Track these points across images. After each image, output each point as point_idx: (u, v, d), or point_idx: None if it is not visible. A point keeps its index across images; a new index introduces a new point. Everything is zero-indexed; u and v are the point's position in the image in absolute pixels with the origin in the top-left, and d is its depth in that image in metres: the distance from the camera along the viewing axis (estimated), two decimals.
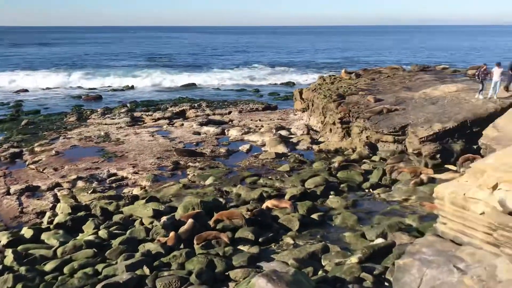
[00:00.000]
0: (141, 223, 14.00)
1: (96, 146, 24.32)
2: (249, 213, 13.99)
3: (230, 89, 48.81)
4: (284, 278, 8.83)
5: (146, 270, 10.81)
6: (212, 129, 27.08)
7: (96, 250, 12.05)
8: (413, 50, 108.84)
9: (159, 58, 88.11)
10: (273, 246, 12.47)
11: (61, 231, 13.57)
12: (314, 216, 14.14)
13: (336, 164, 19.05)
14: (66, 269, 11.20)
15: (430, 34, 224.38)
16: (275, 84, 52.80)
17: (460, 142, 19.98)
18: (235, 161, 21.30)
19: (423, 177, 16.85)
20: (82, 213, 14.92)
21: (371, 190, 16.86)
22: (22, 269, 11.13)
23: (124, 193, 17.65)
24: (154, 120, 30.90)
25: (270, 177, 18.55)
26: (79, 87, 50.56)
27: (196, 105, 35.79)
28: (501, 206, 7.86)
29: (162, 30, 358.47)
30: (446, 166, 18.63)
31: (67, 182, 18.75)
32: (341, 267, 10.48)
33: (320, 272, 10.66)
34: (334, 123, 24.25)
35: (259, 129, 27.28)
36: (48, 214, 15.35)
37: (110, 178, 19.31)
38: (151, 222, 13.93)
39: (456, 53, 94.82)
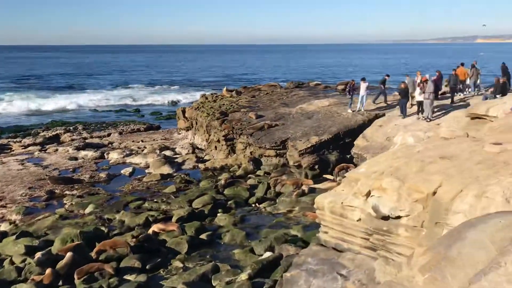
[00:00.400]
0: (11, 263, 12.61)
1: None
2: (134, 239, 13.39)
3: (108, 110, 46.76)
4: None
5: None
6: (90, 153, 25.55)
7: None
8: (287, 68, 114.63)
9: (27, 79, 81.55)
10: (161, 272, 12.07)
11: None
12: (203, 236, 14.01)
13: (222, 182, 19.17)
14: None
15: (302, 53, 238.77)
16: (157, 103, 51.88)
17: (335, 152, 21.34)
18: (117, 186, 20.26)
19: (304, 188, 17.66)
20: None
21: (257, 204, 17.21)
22: None
23: None
24: (23, 147, 28.32)
25: (155, 200, 18.01)
26: None
27: (71, 128, 33.54)
28: (374, 211, 8.49)
29: (35, 49, 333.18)
30: (324, 176, 19.73)
31: None
32: (232, 286, 10.49)
33: None
34: (218, 141, 24.46)
35: (142, 150, 26.43)
36: None
37: None
38: (23, 260, 12.58)
39: (326, 70, 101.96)
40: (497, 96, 18.87)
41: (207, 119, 26.51)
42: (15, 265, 12.39)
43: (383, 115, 22.71)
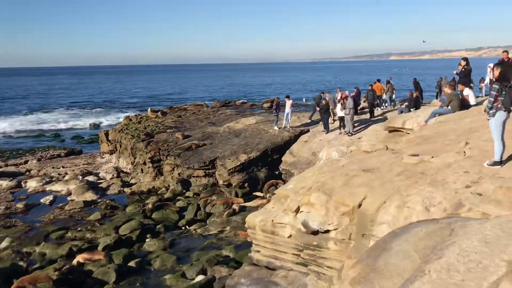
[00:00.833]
0: None
1: None
2: (57, 272, 12.59)
3: (25, 136, 43.97)
4: None
5: None
6: (5, 183, 23.77)
7: None
8: (214, 87, 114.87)
9: None
10: None
11: None
12: (132, 263, 13.48)
13: (150, 205, 18.62)
14: None
15: (229, 72, 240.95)
16: (79, 127, 49.63)
17: (264, 169, 21.57)
18: (37, 216, 19.00)
19: (235, 206, 17.61)
20: None
21: (187, 227, 16.89)
22: None
23: None
24: None
25: (79, 228, 17.11)
26: None
27: None
28: (304, 227, 8.58)
29: None
30: (254, 193, 19.83)
31: None
32: None
33: None
34: (144, 163, 23.81)
35: (63, 177, 25.09)
36: None
37: None
38: None
39: (251, 88, 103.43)
40: (411, 109, 20.06)
41: (131, 141, 25.77)
42: None
43: (308, 131, 23.36)
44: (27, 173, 26.85)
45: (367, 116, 23.00)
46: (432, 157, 9.02)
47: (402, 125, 16.12)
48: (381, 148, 10.76)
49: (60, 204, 20.52)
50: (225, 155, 21.90)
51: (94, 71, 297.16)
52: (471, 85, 17.74)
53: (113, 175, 24.89)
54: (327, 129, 21.56)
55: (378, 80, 26.38)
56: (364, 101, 26.83)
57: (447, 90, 15.19)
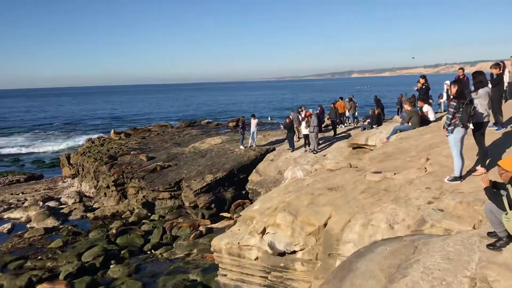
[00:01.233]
0: None
1: None
2: None
3: None
4: None
5: None
6: None
7: None
8: (177, 107, 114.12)
9: None
10: None
11: None
12: None
13: (114, 230, 18.09)
14: None
15: (195, 91, 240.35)
16: (39, 150, 48.01)
17: (231, 189, 21.41)
18: None
19: (202, 228, 17.33)
20: None
21: (153, 251, 16.46)
22: None
23: None
24: None
25: (39, 257, 16.42)
26: None
27: None
28: (271, 248, 8.48)
29: None
30: (221, 214, 19.61)
31: None
32: None
33: None
34: (108, 186, 23.24)
35: (23, 203, 24.15)
36: None
37: None
38: None
39: (216, 108, 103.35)
40: (374, 126, 20.44)
41: (94, 165, 25.15)
42: None
43: (274, 149, 23.42)
44: None
45: (331, 133, 23.29)
46: (395, 173, 9.16)
47: (365, 141, 16.40)
48: (345, 166, 10.85)
49: (19, 232, 19.66)
50: (190, 176, 21.64)
51: (54, 93, 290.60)
52: (430, 101, 18.29)
53: (75, 200, 24.14)
54: (292, 147, 21.67)
55: (341, 98, 26.85)
56: (327, 119, 27.21)
57: (407, 107, 15.58)
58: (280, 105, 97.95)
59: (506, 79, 13.66)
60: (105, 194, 23.48)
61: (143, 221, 19.66)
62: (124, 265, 15.07)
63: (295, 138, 22.74)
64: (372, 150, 14.64)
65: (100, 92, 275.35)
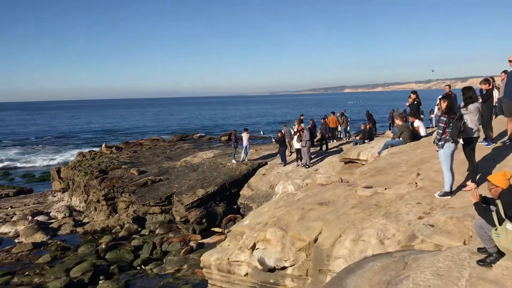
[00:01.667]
0: None
1: None
2: None
3: None
4: None
5: None
6: None
7: None
8: (170, 120, 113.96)
9: None
10: None
11: None
12: None
13: (103, 245, 17.85)
14: None
15: (184, 105, 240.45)
16: (29, 164, 47.53)
17: (222, 204, 21.26)
18: None
19: (192, 244, 17.15)
20: None
21: (142, 266, 16.25)
22: None
23: None
24: None
25: (27, 272, 16.13)
26: None
27: None
28: (261, 264, 8.38)
29: None
30: (212, 229, 19.42)
31: None
32: None
33: None
34: (98, 201, 23.00)
35: (11, 217, 23.82)
36: None
37: None
38: None
39: (208, 122, 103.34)
40: (366, 141, 20.48)
41: (85, 179, 24.93)
42: None
43: (266, 163, 23.35)
44: None
45: (323, 148, 23.29)
46: (386, 188, 9.14)
47: (357, 156, 16.39)
48: (336, 181, 10.81)
49: (7, 247, 19.34)
50: (182, 191, 21.49)
51: (45, 106, 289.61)
52: (422, 116, 18.39)
53: (65, 214, 23.85)
54: (284, 161, 21.63)
55: (333, 113, 26.95)
56: (319, 133, 27.27)
57: (398, 122, 15.63)
58: (274, 120, 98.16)
59: (496, 94, 13.77)
60: (95, 208, 23.23)
61: (133, 236, 19.44)
62: (113, 281, 14.85)
63: (287, 153, 22.71)
64: (364, 164, 14.64)
65: (94, 106, 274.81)
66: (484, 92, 11.45)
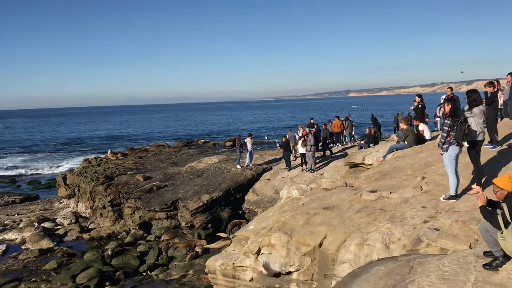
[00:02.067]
0: None
1: None
2: None
3: None
4: None
5: None
6: None
7: None
8: (175, 126, 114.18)
9: None
10: None
11: None
12: None
13: (109, 251, 17.89)
14: None
15: (190, 111, 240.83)
16: (35, 171, 47.70)
17: (227, 209, 21.26)
18: None
19: (198, 249, 17.15)
20: None
21: (148, 272, 16.27)
22: None
23: None
24: None
25: (33, 279, 16.25)
26: None
27: None
28: (265, 269, 8.35)
29: None
30: (218, 234, 19.43)
31: None
32: None
33: None
34: (104, 207, 23.07)
35: (18, 224, 23.94)
36: None
37: None
38: None
39: (213, 127, 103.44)
40: (370, 145, 20.44)
41: (91, 185, 25.02)
42: None
43: (270, 168, 23.35)
44: None
45: (328, 152, 23.25)
46: (391, 192, 9.10)
47: (362, 160, 16.36)
48: (340, 185, 10.79)
49: (14, 254, 19.46)
50: (187, 196, 21.52)
51: (51, 113, 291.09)
52: (426, 120, 18.32)
53: (71, 221, 23.94)
54: (289, 166, 21.62)
55: (337, 117, 26.92)
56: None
57: (402, 125, 15.59)
58: (279, 124, 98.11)
59: (501, 97, 13.72)
60: (101, 214, 23.30)
61: (139, 241, 19.49)
62: (119, 286, 14.94)
63: (292, 157, 22.71)
64: (369, 168, 14.60)
65: (100, 112, 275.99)
66: (489, 94, 11.40)
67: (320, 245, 7.88)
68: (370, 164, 15.77)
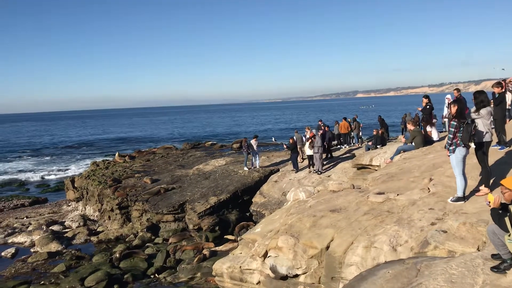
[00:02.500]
0: None
1: None
2: None
3: None
4: None
5: None
6: None
7: None
8: (182, 128, 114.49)
9: None
10: None
11: None
12: None
13: (117, 254, 17.95)
14: None
15: (194, 113, 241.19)
16: (44, 174, 48.02)
17: (235, 211, 21.25)
18: None
19: (206, 252, 17.14)
20: None
21: (156, 275, 16.29)
22: None
23: None
24: None
25: (42, 282, 16.31)
26: None
27: None
28: (273, 272, 8.35)
29: None
30: (225, 237, 19.41)
31: None
32: None
33: None
34: (112, 210, 23.17)
35: (27, 227, 24.10)
36: None
37: None
38: None
39: (221, 129, 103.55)
40: (378, 146, 20.36)
41: (98, 188, 25.14)
42: None
43: (278, 170, 23.32)
44: None
45: (336, 153, 23.20)
46: (398, 194, 9.06)
47: (369, 162, 16.31)
48: (347, 187, 10.76)
49: (23, 257, 19.55)
50: (194, 198, 21.55)
51: (60, 117, 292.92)
52: (434, 121, 18.22)
53: (79, 224, 24.06)
54: (296, 168, 21.59)
55: (344, 118, 26.85)
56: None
57: (410, 126, 15.52)
58: (286, 126, 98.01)
59: (509, 97, 13.61)
60: (109, 217, 23.40)
61: (147, 244, 19.52)
62: None
63: (299, 159, 22.67)
64: (376, 170, 14.55)
65: (108, 115, 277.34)
66: (497, 95, 11.33)
67: (327, 247, 7.86)
68: (377, 166, 15.72)
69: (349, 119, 27.25)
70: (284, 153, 27.29)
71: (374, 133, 22.76)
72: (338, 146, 26.14)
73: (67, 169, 49.43)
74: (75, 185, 29.06)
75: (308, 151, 20.87)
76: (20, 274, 17.58)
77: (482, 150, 8.08)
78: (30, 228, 23.74)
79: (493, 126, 9.51)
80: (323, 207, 9.40)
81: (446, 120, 22.99)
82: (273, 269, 8.31)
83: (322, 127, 24.42)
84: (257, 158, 24.44)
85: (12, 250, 20.42)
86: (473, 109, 8.34)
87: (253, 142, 23.93)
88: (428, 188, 9.08)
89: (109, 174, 27.70)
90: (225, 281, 9.30)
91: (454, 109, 7.81)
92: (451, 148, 7.78)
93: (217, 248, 17.67)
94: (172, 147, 37.32)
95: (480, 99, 8.23)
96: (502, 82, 11.88)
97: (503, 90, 11.56)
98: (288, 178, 21.24)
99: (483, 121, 8.10)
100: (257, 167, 24.37)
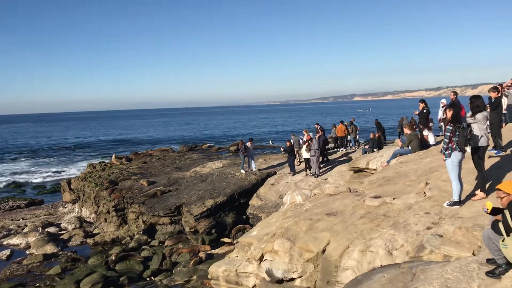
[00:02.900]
0: None
1: None
2: None
3: None
4: None
5: None
6: None
7: None
8: (179, 131, 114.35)
9: None
10: None
11: None
12: None
13: (113, 257, 17.89)
14: None
15: (192, 115, 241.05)
16: (40, 176, 47.90)
17: (231, 214, 21.21)
18: None
19: (202, 254, 17.10)
20: None
21: (152, 277, 16.24)
22: None
23: None
24: None
25: (37, 284, 16.22)
26: None
27: None
28: (268, 276, 8.33)
29: None
30: (222, 239, 19.38)
31: None
32: None
33: None
34: (108, 212, 23.10)
35: (23, 229, 23.99)
36: None
37: None
38: None
39: (218, 132, 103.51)
40: (374, 150, 20.39)
41: (95, 190, 25.08)
42: None
43: (275, 173, 23.32)
44: None
45: (332, 156, 23.22)
46: (394, 198, 9.07)
47: (366, 165, 16.33)
48: (344, 191, 10.76)
49: (18, 259, 19.44)
50: (191, 201, 21.51)
51: (57, 118, 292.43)
52: (431, 125, 18.25)
53: (75, 226, 23.97)
54: (293, 171, 21.59)
55: (341, 122, 26.89)
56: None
57: (406, 130, 15.55)
58: (284, 129, 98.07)
59: (505, 102, 13.65)
60: (105, 219, 23.33)
61: (143, 246, 19.47)
62: None
63: (296, 162, 22.68)
64: (373, 173, 14.57)
65: (105, 117, 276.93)
66: (493, 100, 11.35)
67: (323, 251, 7.86)
68: (374, 169, 15.73)
69: (346, 123, 27.29)
70: (281, 156, 27.30)
71: (371, 136, 22.79)
72: (335, 150, 26.16)
73: (64, 171, 49.32)
74: (72, 187, 28.97)
75: (305, 154, 20.88)
76: (15, 276, 17.48)
77: (478, 154, 8.10)
78: (25, 230, 23.63)
79: (489, 131, 9.53)
80: (320, 210, 9.39)
81: (442, 123, 23.06)
82: (269, 272, 8.29)
83: (319, 130, 24.44)
84: (252, 161, 24.45)
85: (7, 252, 20.31)
86: (469, 113, 8.36)
87: (248, 144, 23.94)
88: (424, 192, 9.09)
89: (106, 176, 27.63)
90: (221, 284, 9.28)
91: (449, 113, 7.83)
92: (446, 152, 7.80)
93: (214, 251, 17.63)
94: (169, 149, 37.28)
95: (476, 103, 8.24)
96: (499, 86, 11.89)
97: (499, 94, 11.58)
98: (285, 181, 21.24)
99: (479, 125, 8.11)
100: (253, 169, 24.36)
